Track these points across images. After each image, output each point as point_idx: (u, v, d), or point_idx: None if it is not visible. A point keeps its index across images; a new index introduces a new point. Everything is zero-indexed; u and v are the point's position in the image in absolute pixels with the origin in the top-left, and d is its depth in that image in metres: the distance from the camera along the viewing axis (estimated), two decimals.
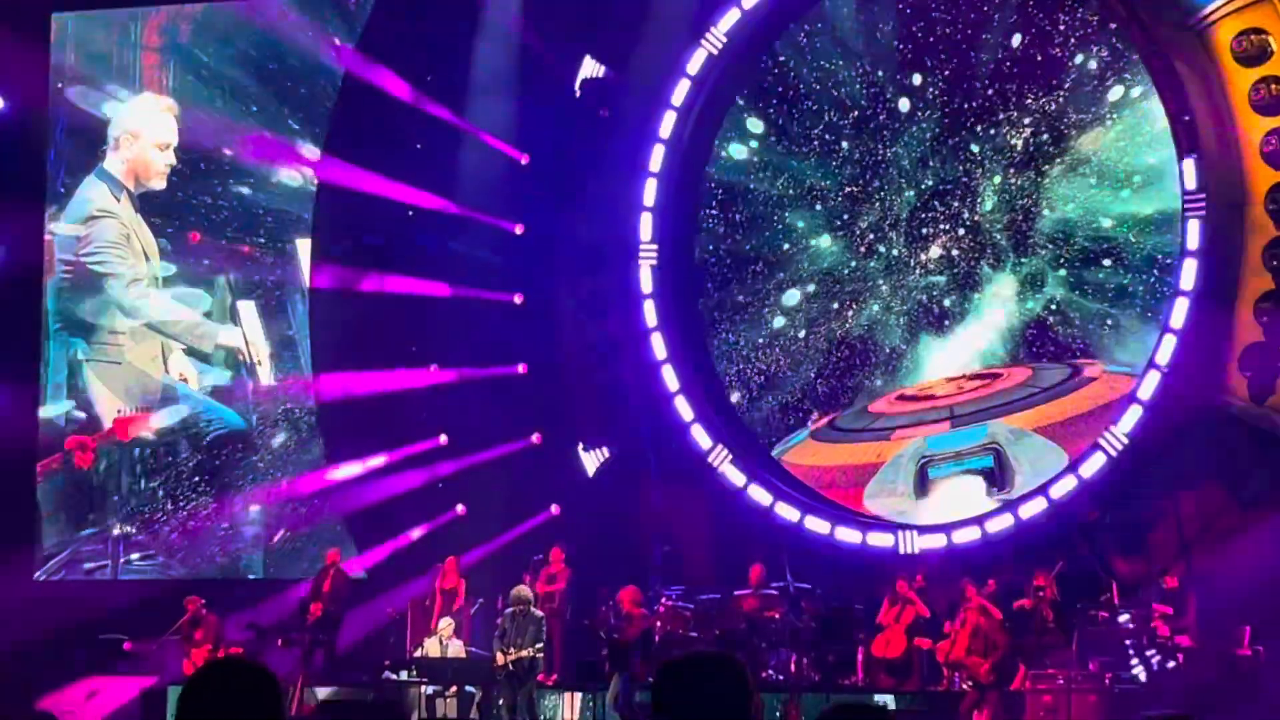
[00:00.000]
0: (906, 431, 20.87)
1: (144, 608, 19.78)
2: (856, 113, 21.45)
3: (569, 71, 21.86)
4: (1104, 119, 20.19)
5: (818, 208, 21.73)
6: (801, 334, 21.72)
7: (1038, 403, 20.33)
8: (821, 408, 21.54)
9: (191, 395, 22.81)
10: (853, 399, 21.40)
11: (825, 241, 21.71)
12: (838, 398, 21.49)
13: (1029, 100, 20.52)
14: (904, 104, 21.34)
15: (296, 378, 23.13)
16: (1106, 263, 20.19)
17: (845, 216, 21.62)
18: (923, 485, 20.60)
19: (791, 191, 21.77)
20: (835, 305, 21.59)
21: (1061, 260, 20.43)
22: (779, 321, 21.86)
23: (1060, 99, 20.35)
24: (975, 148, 20.89)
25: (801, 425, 21.63)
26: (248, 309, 23.32)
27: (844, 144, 21.58)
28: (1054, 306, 20.43)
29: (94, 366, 22.44)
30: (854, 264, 21.54)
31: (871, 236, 21.46)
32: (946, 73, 20.93)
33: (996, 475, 20.26)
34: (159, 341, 22.70)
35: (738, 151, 22.14)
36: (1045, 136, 20.53)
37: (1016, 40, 20.57)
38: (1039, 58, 20.47)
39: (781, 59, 21.87)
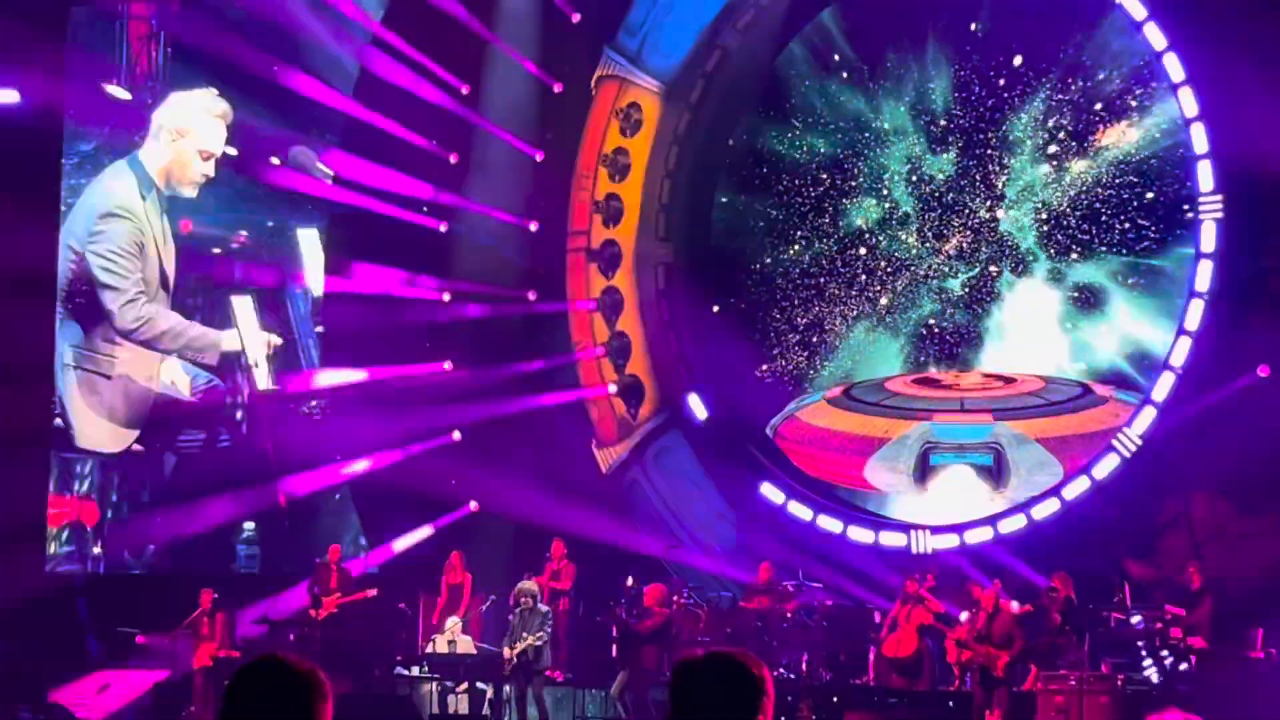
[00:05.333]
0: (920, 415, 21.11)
1: (155, 601, 19.74)
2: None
3: None
4: (1127, 116, 20.14)
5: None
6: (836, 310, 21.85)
7: (1044, 414, 20.46)
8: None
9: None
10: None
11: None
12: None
13: (1050, 95, 20.48)
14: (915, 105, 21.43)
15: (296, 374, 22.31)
16: (1121, 260, 20.15)
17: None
18: (923, 469, 20.86)
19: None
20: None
21: (1075, 258, 20.42)
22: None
23: (1083, 94, 20.30)
24: (994, 145, 20.90)
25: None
26: (242, 305, 22.03)
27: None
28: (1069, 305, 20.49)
29: (79, 375, 21.15)
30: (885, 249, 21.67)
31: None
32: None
33: (994, 473, 20.50)
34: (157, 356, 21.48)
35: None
36: (1066, 132, 20.49)
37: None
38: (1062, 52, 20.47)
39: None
